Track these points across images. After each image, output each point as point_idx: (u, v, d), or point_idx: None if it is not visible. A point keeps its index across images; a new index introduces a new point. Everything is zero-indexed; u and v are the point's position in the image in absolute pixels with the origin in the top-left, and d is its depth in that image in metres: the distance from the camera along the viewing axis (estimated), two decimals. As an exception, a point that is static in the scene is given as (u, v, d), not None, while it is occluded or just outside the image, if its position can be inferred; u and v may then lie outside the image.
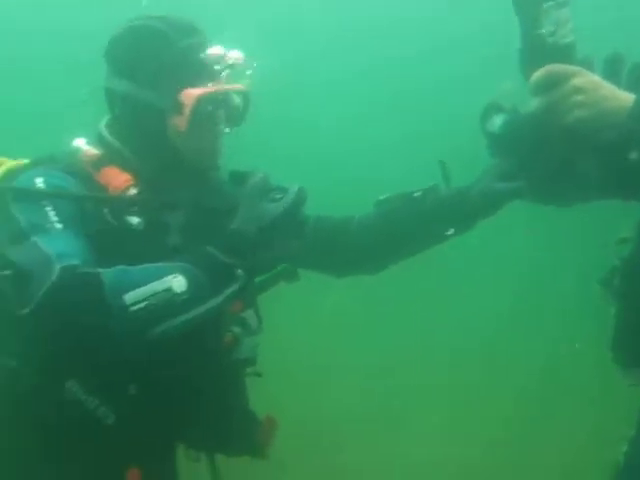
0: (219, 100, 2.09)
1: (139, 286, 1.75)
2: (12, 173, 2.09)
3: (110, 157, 2.08)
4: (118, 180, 2.03)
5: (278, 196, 1.94)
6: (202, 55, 2.06)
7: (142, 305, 1.74)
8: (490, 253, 6.51)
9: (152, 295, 1.75)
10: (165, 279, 1.78)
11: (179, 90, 2.02)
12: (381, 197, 2.32)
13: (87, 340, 1.78)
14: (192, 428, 2.17)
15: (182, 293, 1.78)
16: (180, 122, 2.03)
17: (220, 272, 1.87)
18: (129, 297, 1.73)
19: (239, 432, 2.21)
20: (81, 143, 2.11)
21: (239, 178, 2.04)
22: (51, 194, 1.94)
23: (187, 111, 2.01)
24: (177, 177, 2.11)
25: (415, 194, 2.25)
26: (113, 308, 1.73)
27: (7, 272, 1.79)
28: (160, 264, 1.84)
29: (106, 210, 2.00)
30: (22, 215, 1.90)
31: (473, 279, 6.72)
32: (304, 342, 6.08)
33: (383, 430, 5.70)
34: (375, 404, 6.03)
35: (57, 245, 1.82)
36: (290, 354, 5.54)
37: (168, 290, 1.77)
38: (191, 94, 2.01)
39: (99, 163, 2.06)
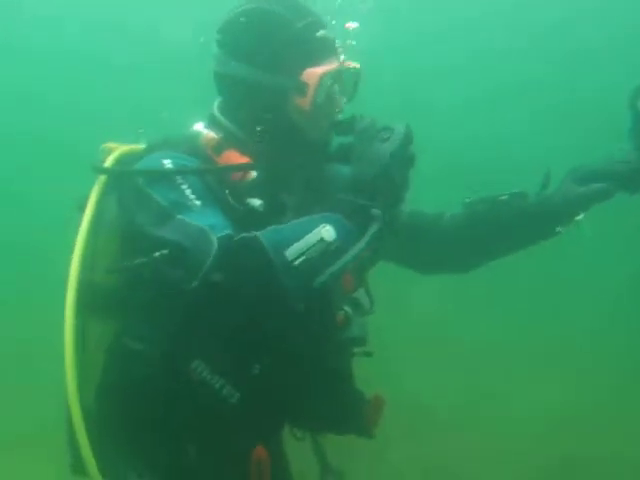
0: (339, 77, 2.10)
1: (296, 241, 1.80)
2: (128, 157, 2.15)
3: (229, 140, 2.10)
4: (239, 163, 2.06)
5: (386, 135, 1.96)
6: (319, 34, 2.07)
7: (303, 258, 1.79)
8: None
9: (309, 248, 1.80)
10: (316, 230, 1.83)
11: (300, 70, 2.04)
12: (468, 199, 2.34)
13: (260, 301, 1.82)
14: (304, 407, 2.18)
15: (334, 241, 1.84)
16: (303, 101, 2.04)
17: (359, 215, 1.90)
18: (290, 253, 1.79)
19: (347, 411, 2.21)
20: (200, 127, 2.13)
21: (346, 126, 2.06)
22: (186, 171, 1.98)
23: (311, 90, 2.03)
24: (293, 157, 2.13)
25: (501, 197, 2.27)
26: (278, 265, 1.78)
27: (164, 251, 1.84)
28: (306, 218, 1.89)
29: (227, 191, 2.03)
30: (160, 196, 1.92)
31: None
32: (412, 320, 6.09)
33: (486, 415, 5.66)
34: (480, 389, 6.00)
35: (205, 219, 1.86)
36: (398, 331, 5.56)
37: (321, 240, 1.83)
38: (314, 73, 2.03)
39: (219, 147, 2.09)
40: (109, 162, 2.13)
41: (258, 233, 1.82)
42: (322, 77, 2.04)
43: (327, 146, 2.14)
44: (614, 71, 8.25)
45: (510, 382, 6.11)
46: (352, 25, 2.12)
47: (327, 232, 1.84)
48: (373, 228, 1.90)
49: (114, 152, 2.16)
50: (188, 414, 2.05)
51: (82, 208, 2.14)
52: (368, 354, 2.24)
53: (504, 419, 5.62)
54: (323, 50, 2.08)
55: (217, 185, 2.02)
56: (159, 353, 2.02)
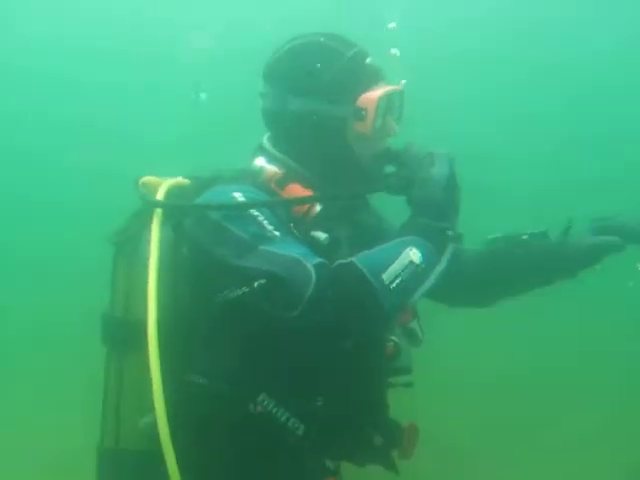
0: (391, 100, 2.18)
1: (390, 265, 1.87)
2: (177, 190, 2.17)
3: (291, 175, 2.14)
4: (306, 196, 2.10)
5: (430, 160, 2.07)
6: (367, 61, 2.15)
7: (399, 280, 1.86)
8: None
9: (402, 270, 1.87)
10: (404, 254, 1.91)
11: (356, 96, 2.09)
12: (490, 236, 2.42)
13: (364, 324, 1.88)
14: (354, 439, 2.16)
15: (421, 263, 1.92)
16: (364, 126, 2.10)
17: (436, 237, 1.99)
18: (387, 276, 1.85)
19: (385, 442, 2.19)
20: (262, 162, 2.16)
21: (394, 156, 2.15)
22: (260, 204, 2.01)
23: (370, 114, 2.08)
24: (351, 188, 2.16)
25: (523, 237, 2.35)
26: (378, 289, 1.83)
27: (262, 281, 1.86)
28: (392, 242, 1.96)
29: (292, 224, 2.04)
30: (239, 228, 1.94)
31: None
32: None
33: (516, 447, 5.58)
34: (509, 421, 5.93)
35: (291, 249, 1.90)
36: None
37: (411, 263, 1.90)
38: (371, 97, 2.09)
39: (283, 181, 2.12)
40: (161, 196, 2.13)
41: (353, 259, 1.88)
42: (379, 100, 2.10)
43: (382, 176, 2.18)
44: (619, 71, 8.26)
45: (540, 413, 6.01)
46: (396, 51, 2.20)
47: (415, 255, 1.91)
48: (450, 249, 2.00)
49: (162, 185, 2.17)
50: (255, 448, 2.05)
51: (118, 243, 2.18)
52: (409, 385, 2.25)
53: (535, 453, 5.51)
54: (373, 76, 2.15)
55: (284, 218, 2.05)
56: (224, 388, 2.03)
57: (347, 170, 2.15)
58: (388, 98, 2.15)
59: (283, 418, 2.01)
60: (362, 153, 2.15)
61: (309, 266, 1.84)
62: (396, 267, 1.87)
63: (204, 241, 2.00)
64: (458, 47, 8.85)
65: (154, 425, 1.96)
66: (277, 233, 1.94)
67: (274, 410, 2.01)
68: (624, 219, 2.28)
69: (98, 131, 8.27)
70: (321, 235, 2.04)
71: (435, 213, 2.02)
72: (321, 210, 2.09)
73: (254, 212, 1.97)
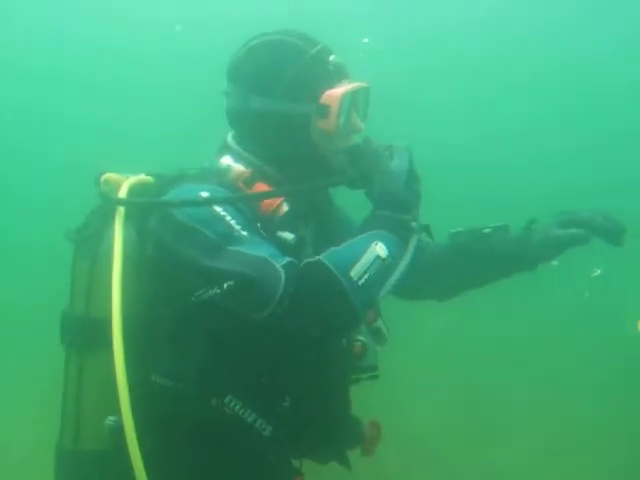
0: (356, 97, 2.17)
1: (357, 261, 1.87)
2: (140, 188, 2.13)
3: (257, 174, 2.12)
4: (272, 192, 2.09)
5: (389, 153, 2.10)
6: (331, 58, 2.13)
7: (366, 276, 1.87)
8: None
9: (370, 266, 1.88)
10: (371, 249, 1.91)
11: (320, 94, 2.08)
12: (453, 230, 2.42)
13: (334, 322, 1.89)
14: (318, 438, 2.17)
15: (387, 257, 1.92)
16: (326, 124, 2.09)
17: (400, 229, 2.00)
18: (355, 273, 1.85)
19: (346, 438, 2.22)
20: (229, 161, 2.14)
21: (358, 152, 2.15)
22: (226, 200, 2.00)
23: (333, 110, 2.07)
24: (317, 187, 2.17)
25: (485, 230, 2.37)
26: (347, 286, 1.84)
27: (230, 282, 1.86)
28: (357, 238, 1.97)
29: (259, 224, 2.04)
30: (207, 228, 1.93)
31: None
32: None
33: (483, 443, 5.62)
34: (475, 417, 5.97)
35: (260, 248, 1.89)
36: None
37: (378, 257, 1.91)
38: (334, 94, 2.08)
39: (250, 180, 2.10)
40: (124, 193, 2.09)
41: (320, 257, 1.89)
42: (342, 97, 2.08)
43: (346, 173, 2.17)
44: (615, 73, 8.35)
45: (509, 411, 6.06)
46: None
47: (381, 249, 1.92)
48: (414, 241, 2.02)
49: (123, 183, 2.13)
50: (222, 449, 2.05)
51: (77, 240, 2.14)
52: (374, 377, 2.25)
53: (502, 451, 5.55)
54: (337, 73, 2.13)
55: (251, 218, 2.03)
56: (190, 388, 2.02)
57: (313, 167, 2.14)
58: (352, 95, 2.14)
59: (250, 419, 2.02)
60: (327, 150, 2.14)
61: (278, 266, 1.84)
62: (363, 263, 1.88)
63: (170, 241, 1.98)
64: (455, 51, 8.96)
65: (118, 425, 1.94)
66: (245, 233, 1.93)
67: (241, 411, 2.01)
68: (588, 212, 2.27)
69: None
70: (288, 235, 2.05)
71: (397, 205, 2.03)
72: (288, 210, 2.09)
73: (221, 212, 1.95)
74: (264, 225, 2.04)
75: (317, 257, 1.88)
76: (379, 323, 2.23)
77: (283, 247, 2.00)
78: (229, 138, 2.23)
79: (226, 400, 2.01)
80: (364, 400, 2.30)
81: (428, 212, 2.19)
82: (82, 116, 8.85)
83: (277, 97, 2.09)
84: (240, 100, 2.15)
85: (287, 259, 1.88)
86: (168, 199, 2.04)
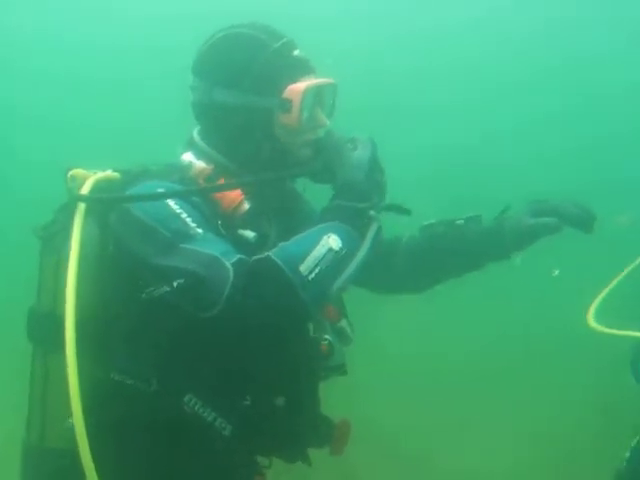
0: (320, 93, 2.15)
1: (307, 256, 1.85)
2: (105, 184, 2.10)
3: (219, 171, 2.10)
4: (231, 195, 2.06)
5: (353, 145, 2.07)
6: (295, 53, 2.12)
7: (317, 270, 1.84)
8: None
9: (321, 259, 1.85)
10: (323, 242, 1.88)
11: (282, 88, 2.07)
12: (426, 222, 2.43)
13: (283, 319, 1.87)
14: (283, 437, 2.16)
15: (341, 249, 1.89)
16: (289, 119, 2.07)
17: (357, 218, 1.97)
18: (304, 268, 1.83)
19: (313, 436, 2.21)
20: (190, 157, 2.12)
21: (321, 145, 2.14)
22: (184, 194, 1.99)
23: (295, 105, 2.05)
24: (277, 183, 2.17)
25: (457, 222, 2.37)
26: (296, 282, 1.81)
27: (180, 280, 1.84)
28: (309, 230, 1.94)
29: (219, 222, 2.03)
30: (161, 225, 1.91)
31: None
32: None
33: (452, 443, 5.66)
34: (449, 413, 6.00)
35: (213, 246, 1.88)
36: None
37: (330, 250, 1.87)
38: (296, 88, 2.06)
39: (211, 177, 2.08)
40: (87, 190, 2.04)
41: (269, 253, 1.86)
42: (305, 92, 2.06)
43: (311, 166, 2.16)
44: (608, 75, 8.41)
45: (480, 411, 6.10)
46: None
47: (334, 241, 1.90)
48: (373, 229, 1.98)
49: (89, 179, 2.08)
50: (181, 449, 2.04)
51: (44, 237, 2.12)
52: (343, 373, 2.24)
53: (472, 451, 5.59)
54: (301, 68, 2.12)
55: (210, 216, 2.02)
56: (148, 388, 2.00)
57: (276, 162, 2.13)
58: (317, 91, 2.13)
59: (210, 418, 2.01)
60: (290, 144, 2.12)
61: (227, 264, 1.82)
62: (314, 256, 1.85)
63: (125, 237, 1.97)
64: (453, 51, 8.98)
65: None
66: (199, 230, 1.91)
67: (200, 410, 2.00)
68: (559, 201, 2.29)
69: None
70: (249, 234, 2.04)
71: (355, 194, 2.00)
72: (250, 207, 2.08)
73: (177, 209, 1.94)
74: (225, 223, 2.03)
75: (266, 253, 1.86)
76: (343, 323, 2.22)
77: (244, 245, 1.99)
78: (194, 133, 2.22)
79: (185, 399, 2.00)
80: (335, 399, 2.30)
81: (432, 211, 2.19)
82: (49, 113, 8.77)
83: (240, 90, 2.08)
84: (204, 93, 2.14)
85: (238, 256, 1.86)
86: (125, 194, 2.02)
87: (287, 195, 2.26)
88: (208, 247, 1.87)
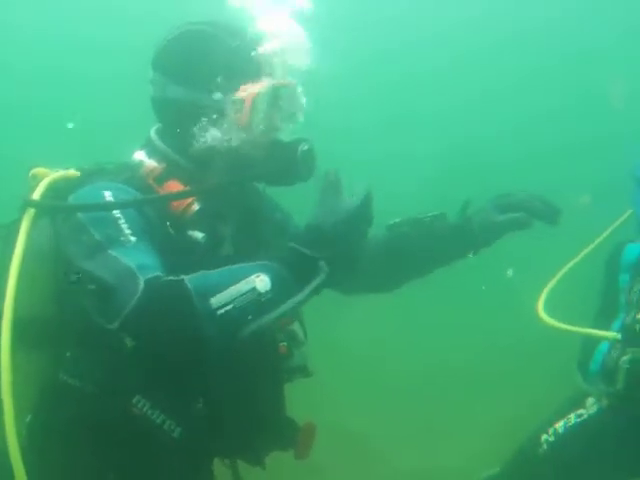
0: (276, 94, 2.10)
1: (224, 289, 1.74)
2: (61, 184, 2.08)
3: (171, 170, 2.09)
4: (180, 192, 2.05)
5: (348, 195, 1.96)
6: (254, 53, 2.07)
7: (229, 307, 1.73)
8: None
9: (238, 296, 1.74)
10: (249, 279, 1.78)
11: (236, 88, 2.04)
12: (392, 221, 2.42)
13: (179, 347, 1.76)
14: (241, 438, 2.16)
15: (267, 292, 1.78)
16: (241, 119, 2.04)
17: (303, 266, 1.85)
18: (216, 300, 1.73)
19: (279, 439, 2.21)
20: (141, 156, 2.10)
21: (289, 148, 2.08)
22: (126, 204, 1.94)
23: (247, 106, 2.03)
24: (232, 183, 2.12)
25: (424, 220, 2.37)
26: (202, 313, 1.71)
27: (92, 286, 1.79)
28: (242, 265, 1.83)
29: (169, 223, 2.00)
30: (96, 228, 1.87)
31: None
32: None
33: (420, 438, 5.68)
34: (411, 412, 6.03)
35: (136, 257, 1.81)
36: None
37: (253, 290, 1.77)
38: (250, 89, 2.04)
39: (161, 177, 2.07)
40: (40, 191, 2.02)
41: (186, 277, 1.77)
42: (259, 93, 2.04)
43: (267, 166, 2.12)
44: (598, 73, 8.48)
45: (447, 410, 6.14)
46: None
47: (261, 282, 1.79)
48: (316, 281, 1.84)
49: (45, 179, 2.06)
50: (128, 450, 2.01)
51: (2, 237, 2.09)
52: (306, 374, 2.24)
53: (439, 449, 5.63)
54: (259, 68, 2.08)
55: (158, 217, 1.99)
56: (96, 389, 1.98)
57: (229, 162, 2.10)
58: (274, 93, 2.09)
59: (158, 420, 1.99)
60: (243, 145, 2.09)
61: (141, 279, 1.74)
62: (231, 292, 1.74)
63: (63, 235, 1.95)
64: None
65: (32, 424, 1.95)
66: (132, 238, 1.87)
67: (149, 412, 1.98)
68: (525, 195, 2.32)
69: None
70: (198, 234, 2.02)
71: (312, 240, 1.89)
72: (201, 208, 2.05)
73: (117, 214, 1.90)
74: (174, 224, 2.01)
75: (182, 276, 1.77)
76: (294, 326, 2.19)
77: (194, 246, 1.97)
78: (152, 131, 2.19)
79: (134, 400, 1.98)
80: (301, 401, 2.30)
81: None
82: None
83: (194, 87, 2.07)
84: (160, 89, 2.13)
85: (155, 273, 1.78)
86: (72, 200, 1.98)
87: (247, 194, 2.22)
88: (131, 257, 1.81)
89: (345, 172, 2.02)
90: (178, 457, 2.04)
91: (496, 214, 2.31)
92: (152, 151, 2.12)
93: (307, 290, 1.83)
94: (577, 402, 2.70)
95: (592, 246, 2.76)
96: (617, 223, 2.80)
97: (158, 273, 1.79)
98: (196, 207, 2.04)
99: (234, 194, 2.15)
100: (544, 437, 2.70)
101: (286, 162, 2.07)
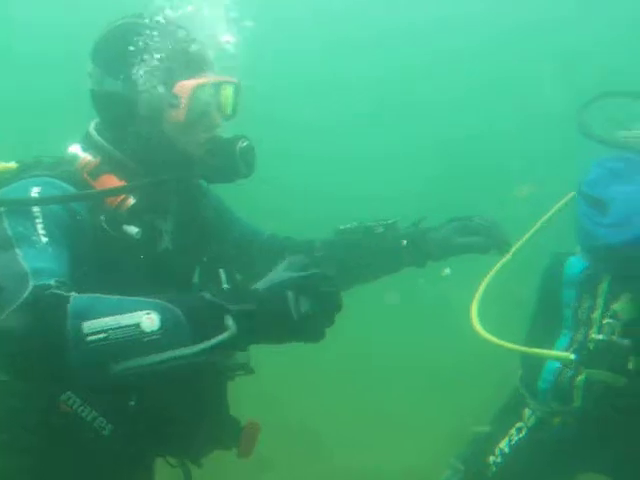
0: (214, 91, 2.09)
1: (105, 316, 1.61)
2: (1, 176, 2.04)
3: (106, 164, 2.04)
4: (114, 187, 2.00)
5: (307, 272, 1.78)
6: (192, 48, 2.05)
7: (101, 336, 1.60)
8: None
9: (115, 328, 1.61)
10: (136, 314, 1.63)
11: (173, 84, 2.02)
12: (342, 226, 2.43)
13: (39, 362, 1.64)
14: (179, 436, 2.13)
15: (152, 332, 1.62)
16: (177, 114, 2.02)
17: (208, 319, 1.68)
18: (89, 326, 1.60)
19: (220, 438, 2.19)
20: (76, 149, 2.05)
21: (224, 145, 2.07)
22: (42, 201, 1.89)
23: (183, 102, 2.00)
24: (170, 176, 2.08)
25: (377, 230, 2.40)
26: (70, 335, 1.59)
27: None
28: (140, 298, 1.68)
29: (103, 218, 1.96)
30: (11, 224, 1.83)
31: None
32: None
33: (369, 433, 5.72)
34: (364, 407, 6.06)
35: (38, 260, 1.76)
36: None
37: (136, 326, 1.62)
38: (186, 85, 2.01)
39: (96, 171, 2.02)
40: None
41: (76, 295, 1.67)
42: (195, 89, 2.02)
43: (207, 163, 2.09)
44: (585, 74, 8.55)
45: (397, 405, 6.19)
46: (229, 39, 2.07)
47: (150, 321, 1.62)
48: (221, 340, 1.66)
49: None
50: (59, 448, 1.99)
51: None
52: (249, 372, 2.21)
53: (391, 442, 5.66)
54: (196, 64, 2.06)
55: (90, 212, 1.95)
56: (27, 385, 1.93)
57: (166, 157, 2.07)
58: (212, 89, 2.08)
59: (89, 417, 1.96)
60: (180, 141, 2.06)
61: (30, 284, 1.67)
62: (108, 322, 1.61)
63: None
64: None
65: None
66: (44, 239, 1.82)
67: (80, 409, 1.95)
68: (483, 221, 2.41)
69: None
70: (133, 229, 1.98)
71: (230, 294, 1.80)
72: (137, 202, 2.01)
73: (37, 212, 1.86)
74: (109, 218, 1.97)
75: (73, 293, 1.68)
76: None
77: (129, 242, 1.94)
78: (91, 124, 2.15)
79: (64, 397, 1.95)
80: (254, 400, 2.28)
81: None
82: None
83: (130, 81, 2.03)
84: (97, 82, 2.09)
85: (46, 282, 1.69)
86: (2, 194, 1.95)
87: (189, 190, 2.19)
88: (33, 260, 1.75)
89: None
90: (109, 455, 2.01)
91: (455, 236, 2.40)
92: (88, 145, 2.08)
93: (200, 346, 1.64)
94: (514, 414, 2.70)
95: (522, 241, 2.74)
96: (544, 220, 2.75)
97: (51, 281, 1.71)
98: (131, 202, 2.00)
99: (173, 189, 2.12)
100: (491, 459, 2.69)
101: (225, 159, 2.05)
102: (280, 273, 1.77)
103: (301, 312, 1.68)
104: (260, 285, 1.75)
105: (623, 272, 2.32)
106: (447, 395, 6.23)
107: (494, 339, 2.38)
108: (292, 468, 5.07)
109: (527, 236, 2.65)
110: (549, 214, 2.68)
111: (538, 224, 2.68)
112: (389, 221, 2.41)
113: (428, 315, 7.21)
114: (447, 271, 2.43)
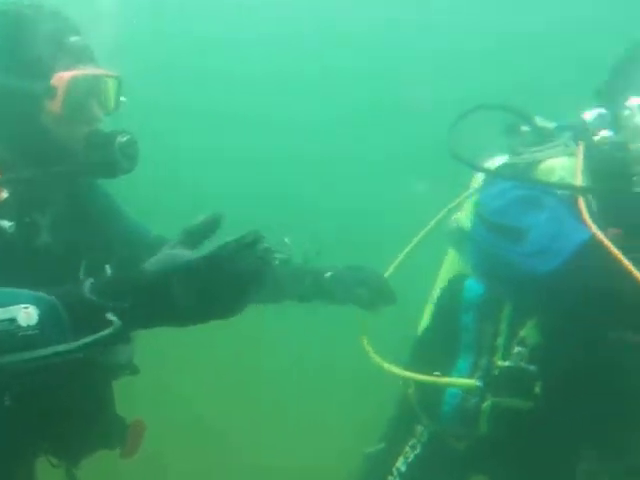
0: (94, 84, 2.05)
1: None
2: None
3: None
4: None
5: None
6: (72, 39, 2.02)
7: None
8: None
9: None
10: (12, 307, 1.56)
11: (51, 75, 1.97)
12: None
13: None
14: (60, 436, 2.09)
15: (29, 327, 1.55)
16: (54, 106, 1.97)
17: (88, 315, 1.61)
18: None
19: (104, 437, 2.16)
20: None
21: (103, 139, 2.02)
22: None
23: (60, 93, 1.96)
24: (49, 169, 2.02)
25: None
26: None
27: None
28: (19, 290, 1.62)
29: None
30: None
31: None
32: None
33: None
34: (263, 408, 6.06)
35: None
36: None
37: (11, 321, 1.55)
38: (63, 76, 1.97)
39: None
40: None
41: None
42: (73, 80, 1.97)
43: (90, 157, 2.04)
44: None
45: (309, 405, 6.23)
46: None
47: (27, 314, 1.56)
48: (97, 335, 1.58)
49: None
50: None
51: None
52: (134, 371, 2.18)
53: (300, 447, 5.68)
54: (76, 55, 2.02)
55: None
56: None
57: (44, 150, 2.03)
58: (93, 82, 2.04)
59: None
60: (58, 134, 2.02)
61: None
62: None
63: None
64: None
65: None
66: None
67: None
68: (371, 273, 2.55)
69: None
70: (6, 223, 1.91)
71: (111, 286, 1.68)
72: (8, 197, 1.94)
73: None
74: None
75: None
76: None
77: (2, 236, 1.88)
78: None
79: None
80: (153, 398, 2.25)
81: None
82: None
83: (6, 71, 1.97)
84: None
85: None
86: None
87: (72, 183, 2.14)
88: None
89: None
90: None
91: (353, 285, 2.53)
92: None
93: (79, 343, 1.57)
94: (405, 431, 2.69)
95: (412, 245, 2.78)
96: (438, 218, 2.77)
97: None
98: (4, 195, 1.94)
99: (55, 183, 2.07)
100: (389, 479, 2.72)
101: (104, 153, 2.01)
102: (172, 252, 1.70)
103: (186, 304, 1.60)
104: (149, 266, 1.68)
105: (533, 301, 2.28)
106: (354, 395, 6.30)
107: (396, 369, 2.44)
108: (189, 467, 5.04)
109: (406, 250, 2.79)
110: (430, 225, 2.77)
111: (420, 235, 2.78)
112: (284, 256, 2.38)
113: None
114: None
